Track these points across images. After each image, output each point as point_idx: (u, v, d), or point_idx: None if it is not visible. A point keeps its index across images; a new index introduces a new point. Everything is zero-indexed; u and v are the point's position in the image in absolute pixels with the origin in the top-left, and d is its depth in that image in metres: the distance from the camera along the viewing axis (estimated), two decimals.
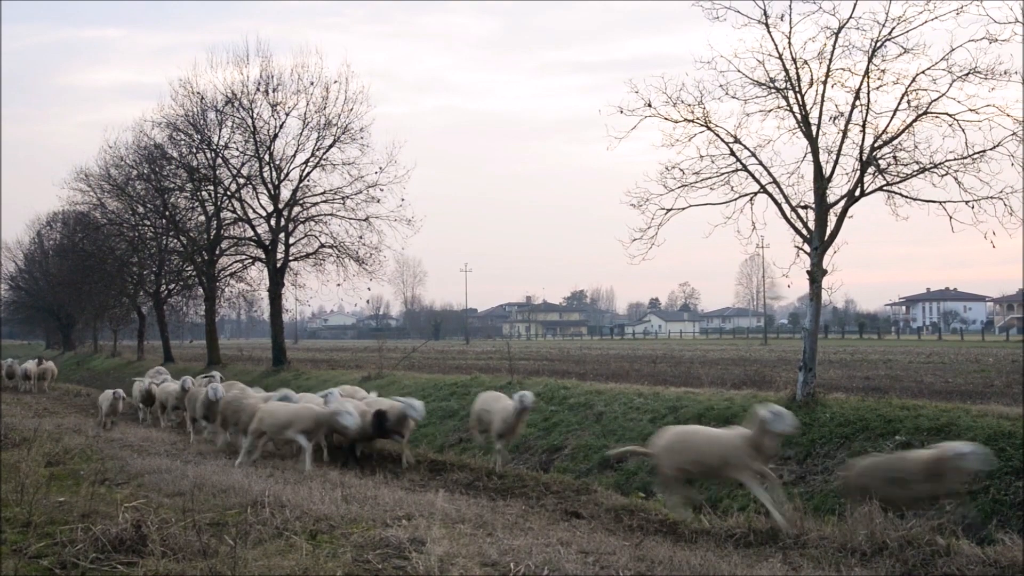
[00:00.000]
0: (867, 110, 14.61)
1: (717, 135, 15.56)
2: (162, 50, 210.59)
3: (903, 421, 12.42)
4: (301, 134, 33.67)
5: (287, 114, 33.80)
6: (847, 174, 14.84)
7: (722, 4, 15.05)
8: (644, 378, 23.72)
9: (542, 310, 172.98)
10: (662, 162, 16.04)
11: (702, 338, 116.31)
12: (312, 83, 33.09)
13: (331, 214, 34.40)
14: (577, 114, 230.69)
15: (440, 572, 6.99)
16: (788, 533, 9.33)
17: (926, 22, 14.00)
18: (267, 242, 34.74)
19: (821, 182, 14.75)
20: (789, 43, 14.83)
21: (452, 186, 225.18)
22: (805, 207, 15.06)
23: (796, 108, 14.99)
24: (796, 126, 15.06)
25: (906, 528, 9.21)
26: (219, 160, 35.93)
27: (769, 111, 15.31)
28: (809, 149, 14.93)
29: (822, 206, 14.78)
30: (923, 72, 14.12)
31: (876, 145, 14.51)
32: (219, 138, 35.72)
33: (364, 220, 33.61)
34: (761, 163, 15.45)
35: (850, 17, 14.45)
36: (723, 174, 15.69)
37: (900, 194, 14.66)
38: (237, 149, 35.48)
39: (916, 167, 14.35)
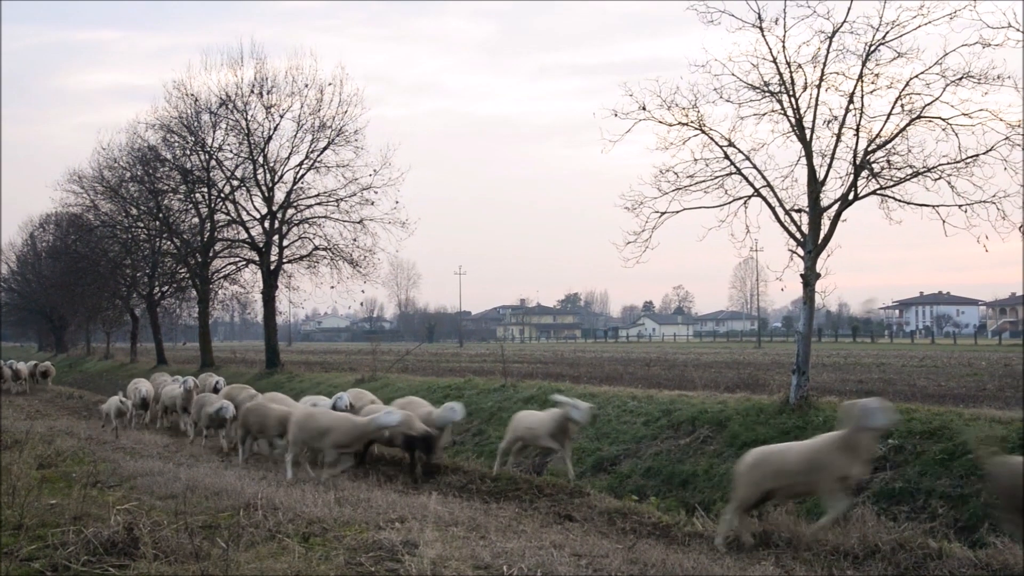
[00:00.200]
0: (861, 114, 14.64)
1: (711, 138, 15.59)
2: (157, 52, 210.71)
3: (896, 424, 12.43)
4: (295, 136, 33.72)
5: (281, 116, 33.85)
6: (841, 178, 14.87)
7: (716, 8, 15.09)
8: (638, 381, 23.73)
9: (536, 313, 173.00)
10: (656, 165, 16.09)
11: (696, 341, 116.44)
12: (306, 85, 33.13)
13: (325, 216, 34.43)
14: (572, 117, 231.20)
15: (433, 575, 6.98)
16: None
17: (920, 26, 14.03)
18: (261, 244, 34.71)
19: (815, 186, 14.77)
20: (783, 47, 14.86)
21: (446, 189, 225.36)
22: (799, 211, 15.08)
23: (790, 112, 15.01)
24: (790, 130, 15.08)
25: (898, 531, 9.24)
26: (213, 162, 35.90)
27: (763, 115, 15.33)
28: (803, 153, 14.95)
29: (816, 210, 14.80)
30: (917, 76, 14.15)
31: (870, 149, 14.54)
32: (213, 140, 35.74)
33: (358, 222, 33.62)
34: (755, 167, 15.48)
35: (844, 21, 14.48)
36: (717, 177, 15.71)
37: (893, 198, 14.70)
38: (231, 151, 35.49)
39: (909, 171, 14.37)
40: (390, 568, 7.24)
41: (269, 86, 33.59)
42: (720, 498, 11.78)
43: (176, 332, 57.55)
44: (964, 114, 13.80)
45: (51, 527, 8.48)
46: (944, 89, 13.87)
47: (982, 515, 10.02)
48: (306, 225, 34.82)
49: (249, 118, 34.07)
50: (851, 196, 14.67)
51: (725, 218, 15.80)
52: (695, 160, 15.71)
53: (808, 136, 14.85)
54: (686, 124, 15.65)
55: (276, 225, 34.18)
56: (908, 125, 14.29)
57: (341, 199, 33.65)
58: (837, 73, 14.79)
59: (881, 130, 14.51)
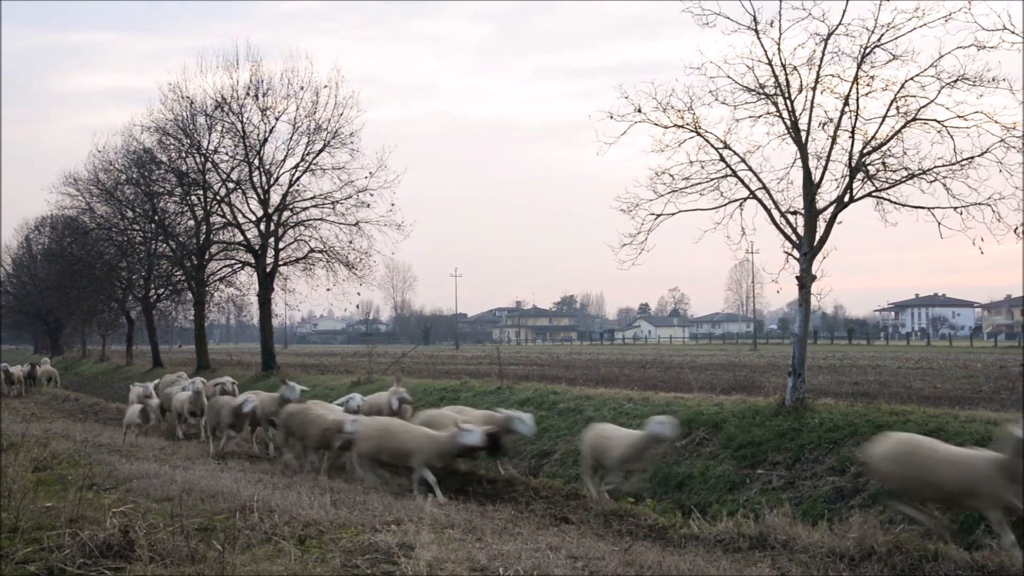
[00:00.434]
0: (856, 116, 14.67)
1: (707, 141, 15.60)
2: (152, 55, 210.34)
3: (892, 426, 12.44)
4: (291, 138, 33.72)
5: (277, 118, 33.83)
6: (836, 180, 14.90)
7: (712, 10, 15.11)
8: (634, 383, 23.74)
9: (532, 315, 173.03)
10: (652, 167, 16.07)
11: (692, 343, 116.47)
12: (302, 87, 33.14)
13: (321, 219, 34.43)
14: (568, 119, 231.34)
15: None
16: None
17: (915, 29, 14.07)
18: (257, 247, 34.69)
19: (810, 188, 14.80)
20: (779, 49, 14.90)
21: (442, 191, 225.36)
22: (794, 213, 15.10)
23: (785, 114, 15.03)
24: (785, 132, 15.11)
25: (895, 533, 9.25)
26: (209, 164, 35.89)
27: (759, 117, 15.36)
28: (798, 155, 14.97)
29: (811, 212, 14.82)
30: (912, 78, 14.19)
31: (865, 151, 14.56)
32: (209, 142, 35.72)
33: (354, 225, 33.65)
34: (751, 169, 15.50)
35: (839, 23, 14.51)
36: (713, 180, 15.73)
37: (889, 200, 14.72)
38: (227, 153, 35.47)
39: (905, 173, 14.40)
40: (386, 571, 7.23)
41: (265, 88, 33.63)
42: (716, 500, 11.79)
43: (172, 335, 57.51)
44: (959, 116, 13.84)
45: (47, 530, 8.45)
46: (939, 91, 13.92)
47: (978, 517, 10.03)
48: (302, 227, 34.85)
49: (245, 120, 34.09)
50: (847, 198, 14.70)
51: (721, 220, 15.84)
52: (691, 162, 15.75)
53: (803, 138, 14.88)
54: (682, 126, 15.67)
55: (272, 227, 34.16)
56: (903, 127, 14.33)
57: (337, 201, 33.69)
58: (832, 75, 14.84)
59: (876, 132, 14.55)
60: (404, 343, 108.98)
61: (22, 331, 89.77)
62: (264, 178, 34.19)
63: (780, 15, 14.77)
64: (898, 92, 14.30)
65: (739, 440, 13.44)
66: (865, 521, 9.59)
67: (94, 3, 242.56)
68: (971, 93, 13.70)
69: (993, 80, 13.51)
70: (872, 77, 14.56)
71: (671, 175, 15.81)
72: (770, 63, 14.96)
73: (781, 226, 15.15)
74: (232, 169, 35.49)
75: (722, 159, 15.59)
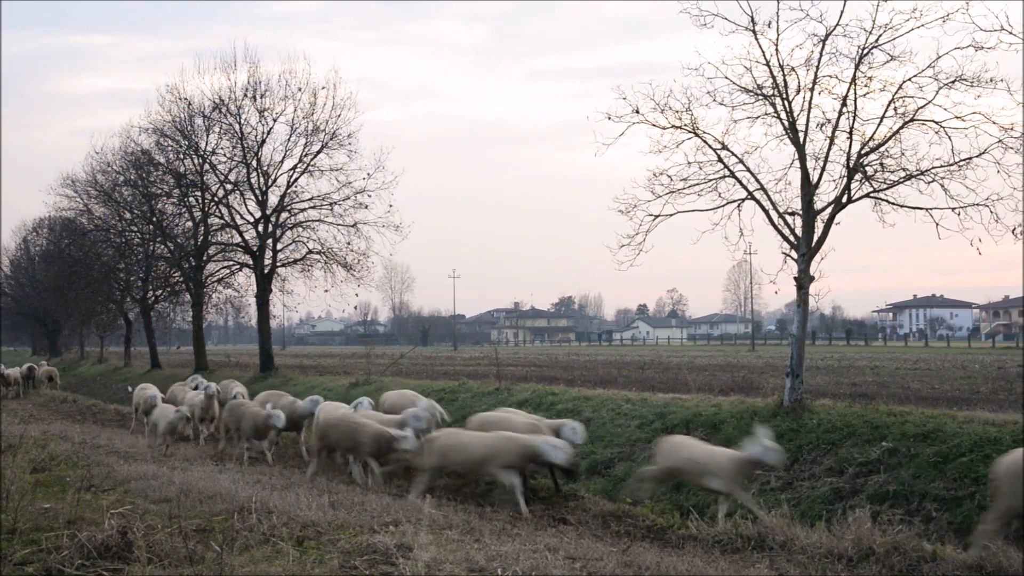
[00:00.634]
0: (854, 117, 14.68)
1: (705, 141, 15.61)
2: (150, 56, 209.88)
3: (890, 427, 12.46)
4: (289, 140, 33.73)
5: (275, 120, 33.84)
6: (834, 181, 14.91)
7: (710, 11, 15.12)
8: (632, 384, 23.76)
9: (530, 316, 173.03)
10: (650, 168, 16.10)
11: (690, 344, 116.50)
12: (300, 89, 33.15)
13: (319, 220, 34.43)
14: (566, 121, 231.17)
15: None
16: None
17: (912, 29, 14.08)
18: (255, 248, 34.69)
19: (808, 189, 14.81)
20: (776, 50, 14.90)
21: (440, 192, 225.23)
22: (792, 214, 15.11)
23: (783, 115, 15.05)
24: (783, 133, 15.12)
25: (893, 533, 9.25)
26: (206, 166, 35.89)
27: (756, 118, 15.37)
28: (796, 156, 14.98)
29: (809, 213, 14.83)
30: (910, 79, 14.20)
31: (863, 152, 14.58)
32: (206, 144, 35.74)
33: (352, 226, 33.65)
34: (748, 170, 15.51)
35: (837, 24, 14.52)
36: (711, 180, 15.74)
37: (887, 201, 14.73)
38: (225, 155, 35.48)
39: (903, 174, 14.42)
40: (384, 572, 7.23)
41: (262, 90, 33.64)
42: (714, 501, 11.78)
43: (170, 336, 57.54)
44: (957, 117, 13.86)
45: (45, 531, 8.45)
46: (937, 92, 13.93)
47: (976, 517, 10.04)
48: (300, 229, 34.85)
49: (242, 122, 34.10)
50: (844, 199, 14.71)
51: (719, 221, 15.85)
52: (689, 163, 15.76)
53: (801, 139, 14.89)
54: (680, 127, 15.68)
55: (270, 229, 34.16)
56: (901, 128, 14.34)
57: (335, 203, 33.70)
58: (830, 76, 14.85)
59: (874, 133, 14.56)
60: (402, 344, 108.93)
61: (20, 333, 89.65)
62: (262, 179, 34.20)
63: (778, 16, 14.79)
64: (896, 93, 14.31)
65: (737, 441, 13.41)
66: (863, 522, 9.59)
67: (91, 5, 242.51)
68: (969, 94, 13.73)
69: (991, 81, 13.53)
70: (870, 78, 14.58)
71: (669, 176, 15.84)
72: (768, 64, 14.97)
73: (779, 227, 15.17)
74: (230, 170, 35.51)
75: (720, 160, 15.61)
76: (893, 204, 14.71)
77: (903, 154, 14.42)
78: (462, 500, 12.22)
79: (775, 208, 15.25)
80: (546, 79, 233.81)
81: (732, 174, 15.57)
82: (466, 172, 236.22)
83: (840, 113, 14.70)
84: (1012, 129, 13.47)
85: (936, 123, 14.06)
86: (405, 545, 7.83)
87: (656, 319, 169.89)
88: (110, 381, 42.26)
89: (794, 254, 15.01)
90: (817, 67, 14.75)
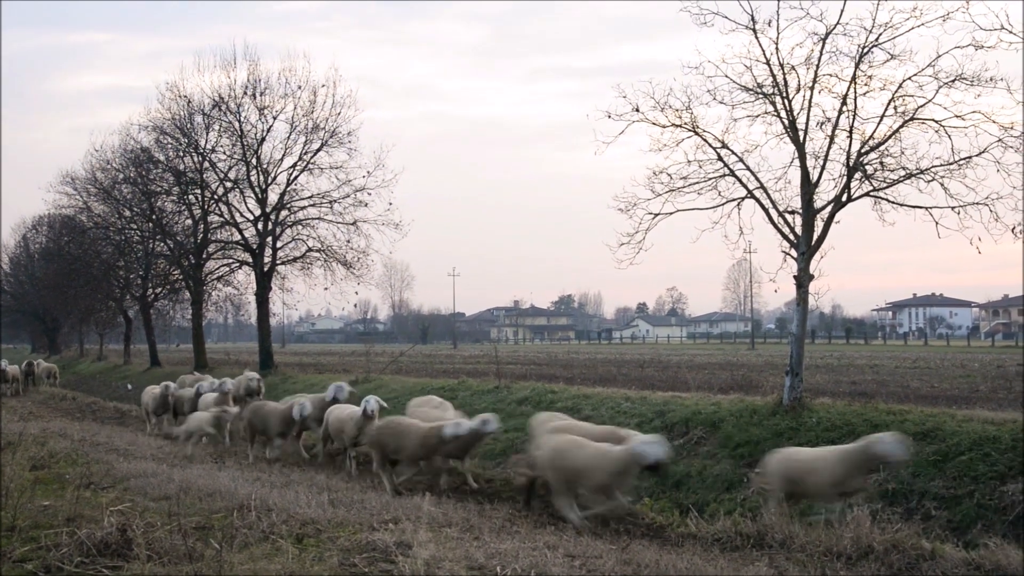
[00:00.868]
0: (854, 116, 14.67)
1: (705, 140, 15.61)
2: (149, 54, 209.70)
3: (889, 426, 12.45)
4: (288, 138, 33.74)
5: (274, 118, 33.84)
6: (834, 179, 14.90)
7: (710, 9, 15.11)
8: (631, 382, 23.75)
9: (530, 314, 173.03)
10: (650, 167, 16.09)
11: (689, 343, 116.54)
12: (300, 87, 33.16)
13: (319, 218, 34.45)
14: (565, 120, 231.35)
15: (426, 575, 6.98)
16: None
17: (912, 28, 14.07)
18: (254, 246, 34.69)
19: (808, 187, 14.80)
20: (776, 48, 14.90)
21: (440, 191, 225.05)
22: (792, 212, 15.11)
23: (783, 113, 15.04)
24: (783, 131, 15.11)
25: (892, 532, 9.26)
26: (206, 164, 35.91)
27: (756, 116, 15.36)
28: (796, 154, 14.98)
29: (809, 211, 14.83)
30: (910, 78, 14.19)
31: (863, 151, 14.57)
32: (206, 142, 35.75)
33: (352, 224, 33.67)
34: (748, 168, 15.51)
35: (837, 23, 14.51)
36: (710, 179, 15.73)
37: (887, 200, 14.73)
38: (224, 153, 35.49)
39: (902, 173, 14.41)
40: (384, 569, 7.23)
41: (262, 88, 33.65)
42: (714, 499, 11.80)
43: (169, 334, 57.46)
44: (957, 116, 13.85)
45: (44, 528, 8.45)
46: (937, 91, 13.93)
47: (975, 516, 10.06)
48: (299, 227, 34.87)
49: (242, 120, 34.12)
50: (844, 198, 14.71)
51: (719, 220, 15.84)
52: (688, 162, 15.75)
53: (801, 138, 14.88)
54: (679, 126, 15.67)
55: (269, 227, 34.17)
56: (901, 127, 14.33)
57: (334, 201, 33.71)
58: (830, 75, 14.84)
59: (874, 132, 14.55)
60: (402, 342, 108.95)
61: (20, 330, 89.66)
62: (262, 177, 34.20)
63: (778, 14, 14.77)
64: (896, 92, 14.30)
65: (737, 439, 13.45)
66: (862, 520, 9.59)
67: (91, 3, 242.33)
68: (969, 93, 13.71)
69: (991, 80, 13.51)
70: (870, 77, 14.57)
71: (669, 174, 15.83)
72: (768, 62, 14.97)
73: (779, 225, 15.17)
74: (230, 168, 35.52)
75: (720, 158, 15.60)
76: (893, 203, 14.71)
77: (903, 153, 14.42)
78: (461, 498, 12.24)
79: (775, 207, 15.25)
80: (546, 78, 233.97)
81: (732, 173, 15.57)
82: (466, 171, 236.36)
83: (840, 112, 14.70)
84: (1012, 128, 13.48)
85: (936, 122, 14.05)
86: (404, 543, 7.83)
87: (656, 317, 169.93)
88: (109, 379, 42.27)
89: (794, 253, 15.01)
90: (817, 66, 14.75)
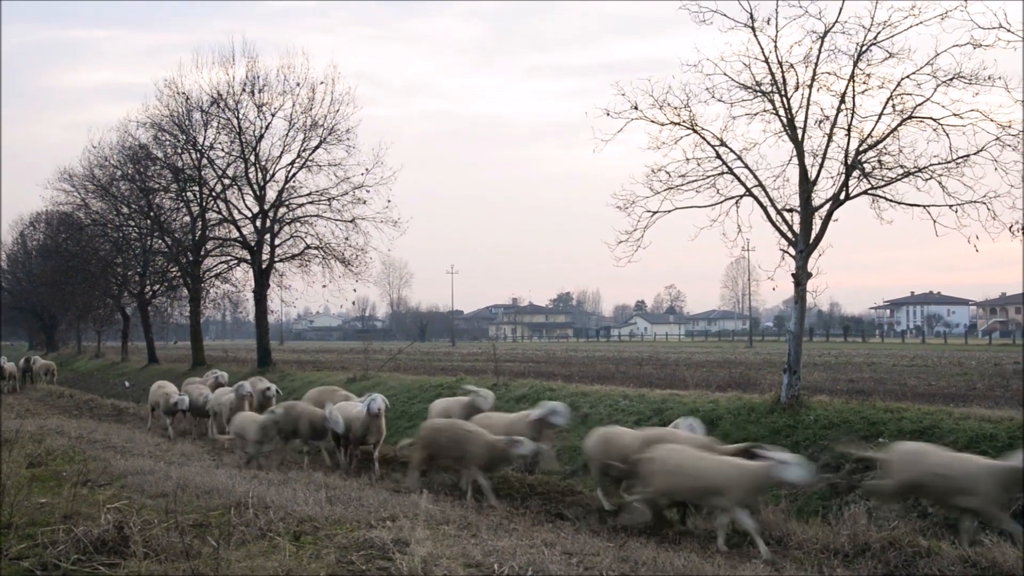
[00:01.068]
0: (852, 114, 14.69)
1: (703, 138, 15.61)
2: (148, 51, 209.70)
3: (886, 423, 12.48)
4: (287, 135, 33.62)
5: (273, 115, 33.73)
6: (832, 178, 14.92)
7: (709, 7, 15.11)
8: (630, 380, 23.76)
9: (528, 312, 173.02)
10: (648, 165, 16.09)
11: (688, 340, 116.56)
12: (298, 84, 33.04)
13: (317, 215, 34.35)
14: (564, 118, 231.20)
15: (424, 573, 6.98)
16: None
17: (911, 27, 14.08)
18: (252, 243, 34.62)
19: (806, 185, 14.81)
20: (775, 47, 14.90)
21: (439, 188, 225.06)
22: (790, 210, 15.12)
23: (782, 112, 15.04)
24: (782, 129, 15.12)
25: (889, 529, 9.27)
26: (204, 161, 35.80)
27: (755, 114, 15.37)
28: (795, 152, 14.99)
29: (807, 209, 14.83)
30: (908, 76, 14.21)
31: (861, 149, 14.58)
32: (204, 138, 35.62)
33: (350, 221, 33.58)
34: (747, 166, 15.52)
35: (836, 21, 14.52)
36: (709, 177, 15.73)
37: (885, 198, 14.75)
38: (222, 150, 35.38)
39: (900, 171, 14.43)
40: (381, 566, 7.23)
41: (261, 84, 33.53)
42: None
43: (167, 331, 57.29)
44: (955, 114, 13.86)
45: (41, 526, 8.45)
46: (935, 89, 13.95)
47: (972, 513, 10.05)
48: (298, 224, 34.76)
49: (241, 116, 34.01)
50: (842, 196, 14.72)
51: (717, 217, 15.86)
52: (687, 159, 15.76)
53: (800, 136, 14.89)
54: (678, 123, 15.68)
55: (268, 224, 34.10)
56: (899, 125, 14.35)
57: (333, 198, 33.61)
58: (829, 73, 14.85)
59: (872, 130, 14.57)
60: (400, 340, 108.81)
61: (17, 327, 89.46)
62: (260, 174, 34.13)
63: (777, 13, 14.79)
64: (894, 90, 14.32)
65: (734, 437, 13.44)
66: (859, 518, 9.61)
67: (88, 1, 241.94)
68: (967, 91, 13.74)
69: (989, 78, 13.54)
70: (868, 75, 14.58)
71: (667, 172, 15.84)
72: (767, 61, 14.97)
73: (777, 223, 15.17)
74: (228, 165, 35.42)
75: (718, 156, 15.61)
76: (891, 201, 14.73)
77: (901, 151, 14.44)
78: (459, 496, 12.24)
79: (773, 205, 15.26)
80: (545, 76, 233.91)
81: (730, 170, 15.57)
82: (465, 168, 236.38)
83: (838, 110, 14.72)
84: (1010, 126, 13.50)
85: (934, 120, 14.07)
86: (402, 540, 7.84)
87: (654, 315, 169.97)
88: (107, 376, 42.24)
89: (792, 251, 15.01)
90: (816, 64, 14.76)
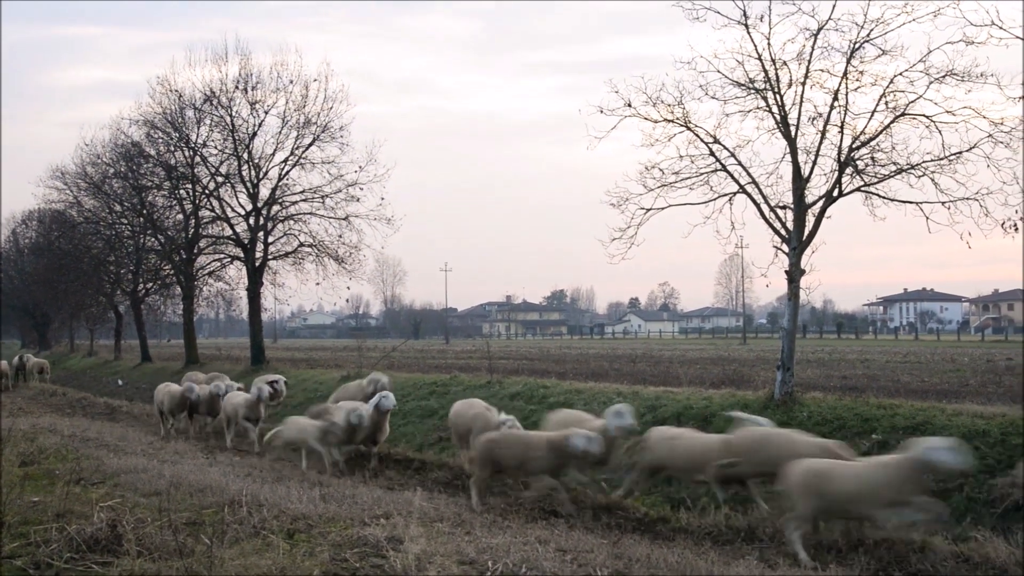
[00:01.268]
0: (845, 111, 14.71)
1: (696, 135, 15.62)
2: (140, 49, 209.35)
3: (880, 420, 12.51)
4: (280, 132, 33.55)
5: (266, 112, 33.66)
6: (825, 175, 14.94)
7: (702, 5, 15.11)
8: (623, 377, 23.78)
9: (522, 310, 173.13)
10: (642, 162, 16.08)
11: (681, 338, 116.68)
12: (291, 81, 32.95)
13: (310, 213, 34.29)
14: (558, 115, 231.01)
15: (417, 570, 6.98)
16: None
17: (904, 24, 14.10)
18: (246, 241, 34.56)
19: (799, 182, 14.83)
20: (768, 44, 14.91)
21: (432, 186, 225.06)
22: (784, 207, 15.14)
23: (775, 109, 15.06)
24: (775, 127, 15.13)
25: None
26: (197, 158, 35.70)
27: (748, 111, 15.37)
28: (788, 150, 15.01)
29: (800, 206, 14.86)
30: (900, 74, 14.24)
31: (854, 146, 14.61)
32: (197, 136, 35.51)
33: (344, 219, 33.54)
34: (740, 163, 15.53)
35: (829, 19, 14.54)
36: (702, 174, 15.74)
37: (877, 195, 14.77)
38: (215, 147, 35.28)
39: (893, 168, 14.45)
40: (375, 564, 7.22)
41: (254, 82, 33.43)
42: (704, 493, 11.80)
43: (160, 329, 57.30)
44: (948, 111, 13.89)
45: (34, 524, 8.42)
46: (928, 86, 13.98)
47: (965, 509, 10.10)
48: (291, 222, 34.70)
49: (234, 114, 33.91)
50: (835, 193, 14.74)
51: (710, 215, 15.87)
52: (680, 157, 15.77)
53: (793, 133, 14.91)
54: (672, 121, 15.68)
55: (261, 222, 34.04)
56: (892, 122, 14.38)
57: (326, 195, 33.56)
58: (822, 70, 14.87)
59: (865, 127, 14.60)
60: (394, 337, 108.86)
61: (9, 326, 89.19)
62: (253, 172, 34.06)
63: (770, 10, 14.80)
64: (887, 87, 14.34)
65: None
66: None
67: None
68: (959, 88, 13.77)
69: (981, 76, 13.56)
70: (861, 72, 14.59)
71: (661, 169, 15.85)
72: (760, 58, 14.98)
73: (770, 220, 15.20)
74: (221, 163, 35.34)
75: (712, 154, 15.62)
76: (884, 198, 14.75)
77: (894, 148, 14.47)
78: (453, 493, 12.24)
79: (766, 202, 15.28)
80: (538, 73, 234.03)
81: (724, 168, 15.59)
82: (458, 166, 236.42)
83: (831, 107, 14.74)
84: (1002, 123, 13.53)
85: (927, 117, 14.10)
86: (396, 538, 7.83)
87: (648, 312, 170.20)
88: (100, 374, 42.15)
89: (785, 248, 15.03)
90: (809, 61, 14.78)
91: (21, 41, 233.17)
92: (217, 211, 36.14)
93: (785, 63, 14.94)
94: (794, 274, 14.83)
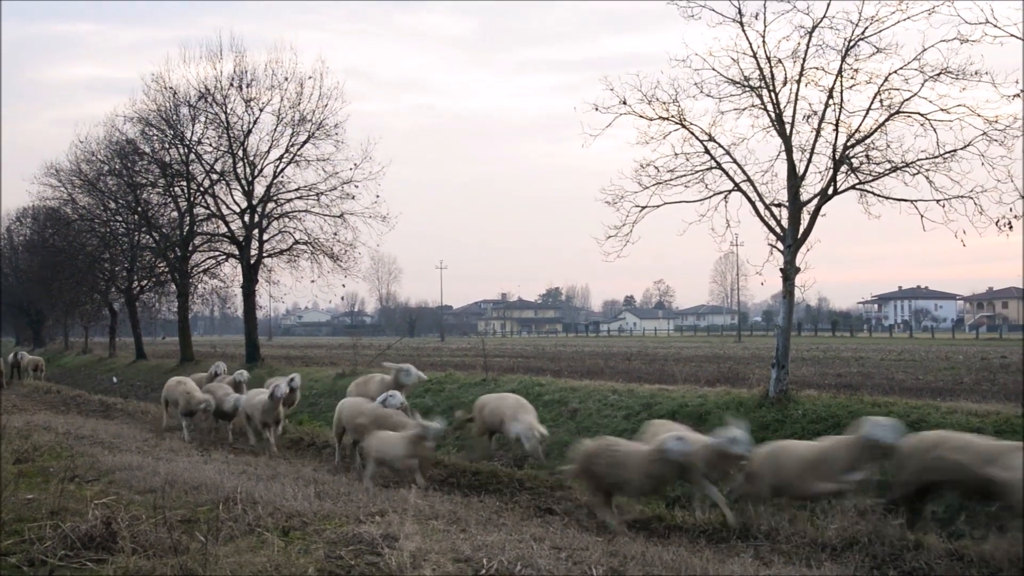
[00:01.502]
0: (840, 109, 14.74)
1: (692, 133, 15.65)
2: (135, 45, 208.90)
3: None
4: (275, 130, 33.47)
5: (261, 109, 33.58)
6: (820, 172, 14.98)
7: (697, 2, 15.13)
8: (619, 375, 23.81)
9: (517, 307, 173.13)
10: (637, 160, 16.13)
11: (676, 335, 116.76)
12: (286, 79, 32.88)
13: (305, 210, 34.24)
14: (553, 113, 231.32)
15: (413, 568, 6.97)
16: None
17: (899, 22, 14.15)
18: (241, 238, 34.50)
19: (794, 180, 14.85)
20: (763, 42, 14.95)
21: (428, 183, 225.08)
22: (779, 205, 15.17)
23: (770, 107, 15.09)
24: (770, 125, 15.16)
25: (876, 523, 9.30)
26: (192, 155, 35.63)
27: (743, 109, 15.41)
28: (783, 147, 15.04)
29: (795, 204, 14.88)
30: (895, 72, 14.27)
31: (849, 144, 14.63)
32: (192, 133, 35.44)
33: (339, 216, 33.50)
34: (735, 161, 15.56)
35: (824, 16, 14.57)
36: (697, 172, 15.77)
37: (872, 193, 14.81)
38: (210, 144, 35.19)
39: (888, 166, 14.49)
40: (370, 561, 7.22)
41: (249, 79, 33.36)
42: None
43: (155, 327, 57.16)
44: (942, 109, 13.93)
45: (28, 522, 8.40)
46: (922, 85, 14.03)
47: (959, 507, 10.12)
48: (286, 219, 34.66)
49: (228, 111, 33.84)
50: (830, 191, 14.77)
51: (705, 212, 15.90)
52: (676, 154, 15.81)
53: (788, 131, 14.93)
54: (667, 118, 15.71)
55: (256, 219, 33.97)
56: (887, 120, 14.41)
57: (321, 193, 33.52)
58: (817, 68, 14.91)
59: (860, 125, 14.64)
60: (389, 335, 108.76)
61: (3, 323, 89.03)
62: (248, 169, 33.99)
63: (765, 8, 14.85)
64: (882, 85, 14.37)
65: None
66: (847, 512, 9.64)
67: None
68: (954, 86, 13.84)
69: (976, 74, 13.61)
70: (856, 70, 14.63)
71: (656, 167, 15.88)
72: (755, 56, 15.01)
73: (765, 218, 15.22)
74: (216, 160, 35.26)
75: (707, 151, 15.64)
76: (878, 196, 14.80)
77: (888, 146, 14.52)
78: (448, 491, 12.23)
79: (761, 200, 15.31)
80: (534, 71, 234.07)
81: (719, 165, 15.61)
82: (454, 163, 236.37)
83: (826, 105, 14.77)
84: (996, 121, 13.56)
85: (921, 115, 14.13)
86: (391, 535, 7.82)
87: (643, 310, 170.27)
88: (95, 372, 42.06)
89: (780, 245, 15.06)
90: (804, 59, 14.81)
91: (15, 38, 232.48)
92: (212, 208, 36.08)
93: (780, 61, 14.99)
94: (789, 272, 14.85)
